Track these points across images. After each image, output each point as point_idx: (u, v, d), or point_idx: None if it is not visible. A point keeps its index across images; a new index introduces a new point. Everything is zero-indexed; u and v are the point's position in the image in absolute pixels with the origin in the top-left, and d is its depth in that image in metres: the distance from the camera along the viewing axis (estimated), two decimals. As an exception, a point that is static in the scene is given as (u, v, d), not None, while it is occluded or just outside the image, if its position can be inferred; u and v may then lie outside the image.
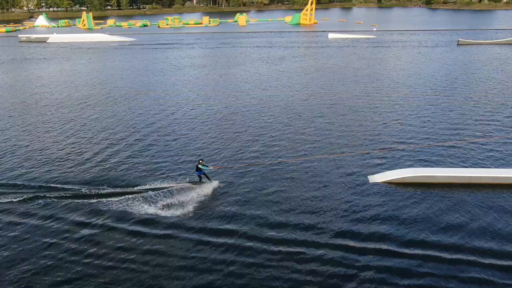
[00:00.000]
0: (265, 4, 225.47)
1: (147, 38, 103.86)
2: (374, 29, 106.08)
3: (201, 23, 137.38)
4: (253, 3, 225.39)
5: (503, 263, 16.54)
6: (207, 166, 23.10)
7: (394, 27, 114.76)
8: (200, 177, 23.10)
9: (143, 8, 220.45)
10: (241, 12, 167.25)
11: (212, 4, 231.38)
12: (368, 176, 23.96)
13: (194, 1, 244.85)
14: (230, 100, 41.99)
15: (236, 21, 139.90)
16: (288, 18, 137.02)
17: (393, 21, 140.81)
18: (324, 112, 36.87)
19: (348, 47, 78.80)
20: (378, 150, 27.76)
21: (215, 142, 30.11)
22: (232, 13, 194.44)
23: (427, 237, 18.30)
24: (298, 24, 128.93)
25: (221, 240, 18.41)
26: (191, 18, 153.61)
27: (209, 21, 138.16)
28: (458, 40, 78.88)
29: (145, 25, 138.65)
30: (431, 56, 65.95)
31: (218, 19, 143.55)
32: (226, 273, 16.38)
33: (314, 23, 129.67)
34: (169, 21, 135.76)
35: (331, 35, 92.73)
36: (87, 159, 27.44)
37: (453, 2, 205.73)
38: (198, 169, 22.71)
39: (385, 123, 33.31)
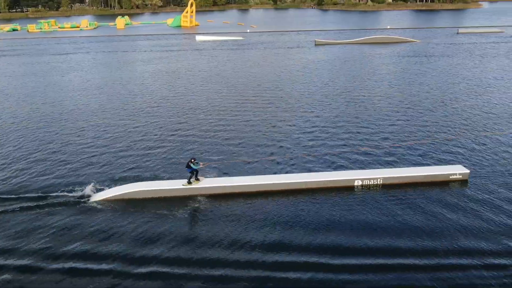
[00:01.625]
0: (159, 6, 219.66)
1: (3, 45, 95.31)
2: (248, 31, 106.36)
3: (78, 27, 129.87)
4: (147, 5, 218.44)
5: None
6: (198, 164, 21.71)
7: (270, 28, 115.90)
8: (192, 174, 21.71)
9: (26, 11, 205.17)
10: (134, 14, 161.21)
11: (104, 6, 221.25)
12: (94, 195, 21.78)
13: (87, 2, 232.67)
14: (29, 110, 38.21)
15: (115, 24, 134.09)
16: (170, 21, 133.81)
17: (276, 22, 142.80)
18: (132, 121, 34.42)
19: (208, 49, 77.23)
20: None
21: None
22: (124, 15, 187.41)
23: (136, 252, 17.02)
24: (179, 27, 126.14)
25: None
26: (69, 22, 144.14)
27: (87, 24, 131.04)
28: (315, 41, 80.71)
29: (14, 30, 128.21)
30: (284, 56, 66.50)
31: (96, 22, 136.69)
32: None
33: (196, 25, 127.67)
34: (42, 24, 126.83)
35: (198, 37, 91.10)
36: None
37: (341, 3, 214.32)
38: (188, 166, 21.47)
39: (175, 132, 31.55)
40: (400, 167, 24.30)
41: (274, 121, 33.31)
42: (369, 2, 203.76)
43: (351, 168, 23.89)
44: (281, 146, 27.91)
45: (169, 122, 33.72)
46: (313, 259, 16.51)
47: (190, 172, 21.70)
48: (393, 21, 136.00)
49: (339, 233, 18.22)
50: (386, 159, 25.65)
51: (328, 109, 36.63)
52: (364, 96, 40.85)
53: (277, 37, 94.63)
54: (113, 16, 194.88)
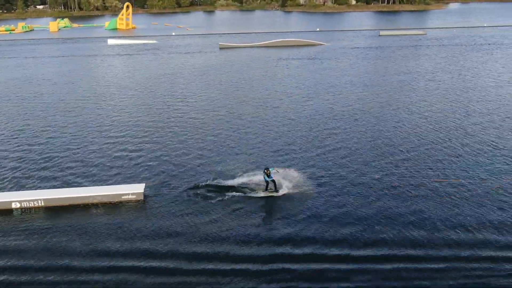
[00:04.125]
0: (120, 8, 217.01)
1: None
2: (173, 33, 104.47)
3: (14, 30, 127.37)
4: (107, 7, 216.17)
5: None
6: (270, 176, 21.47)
7: (205, 31, 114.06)
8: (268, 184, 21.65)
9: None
10: (94, 16, 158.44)
11: (64, 8, 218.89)
12: None
13: (48, 3, 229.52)
14: None
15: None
16: (107, 23, 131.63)
17: (221, 25, 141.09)
18: None
19: (109, 54, 74.84)
20: None
21: None
22: (83, 18, 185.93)
23: None
24: (115, 29, 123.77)
25: None
26: (5, 25, 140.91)
27: (23, 27, 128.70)
28: (219, 44, 78.84)
29: None
30: (176, 60, 64.79)
31: (30, 25, 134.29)
32: None
33: (132, 28, 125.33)
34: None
35: (110, 41, 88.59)
36: None
37: (303, 4, 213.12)
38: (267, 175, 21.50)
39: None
40: (82, 186, 22.37)
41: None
42: (330, 4, 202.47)
43: (10, 190, 21.87)
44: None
45: None
46: None
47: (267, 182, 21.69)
48: (339, 23, 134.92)
49: None
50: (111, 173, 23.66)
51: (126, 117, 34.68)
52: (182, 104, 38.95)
53: (195, 40, 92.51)
54: (71, 18, 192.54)
